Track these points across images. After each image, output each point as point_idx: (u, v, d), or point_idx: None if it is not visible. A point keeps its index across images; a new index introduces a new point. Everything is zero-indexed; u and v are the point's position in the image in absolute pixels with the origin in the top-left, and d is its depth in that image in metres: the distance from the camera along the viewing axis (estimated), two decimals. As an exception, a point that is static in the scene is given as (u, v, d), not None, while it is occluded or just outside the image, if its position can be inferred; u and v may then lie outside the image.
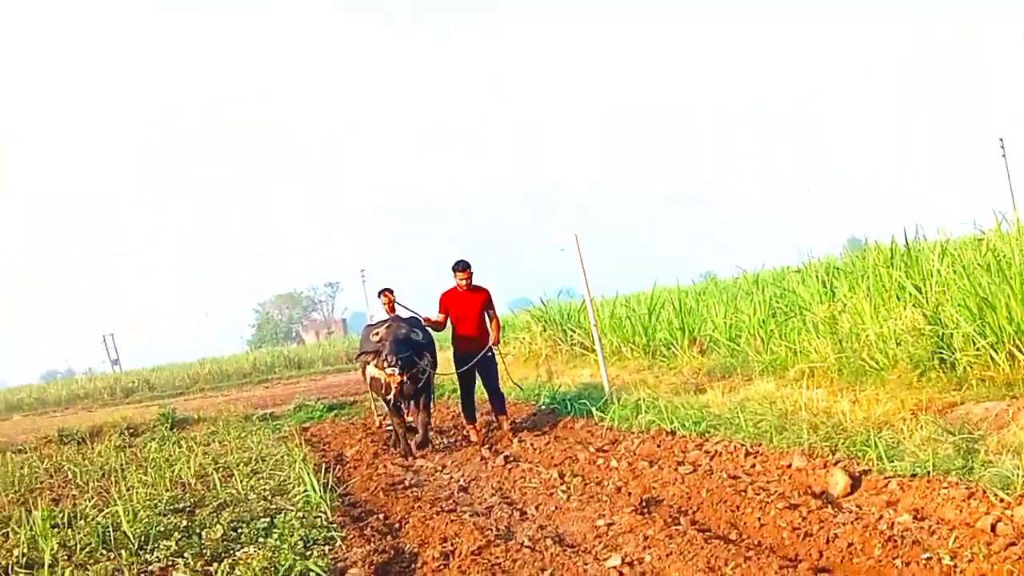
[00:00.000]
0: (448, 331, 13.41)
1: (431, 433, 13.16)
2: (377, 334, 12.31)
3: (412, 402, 12.95)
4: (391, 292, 13.89)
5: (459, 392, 13.47)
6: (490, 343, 13.01)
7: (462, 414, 13.58)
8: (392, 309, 13.44)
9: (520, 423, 13.51)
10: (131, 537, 8.29)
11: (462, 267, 12.89)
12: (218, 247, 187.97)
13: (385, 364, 11.84)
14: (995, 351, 8.67)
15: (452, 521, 8.01)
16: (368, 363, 12.80)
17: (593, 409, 12.76)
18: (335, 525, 8.33)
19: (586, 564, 6.45)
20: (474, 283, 13.02)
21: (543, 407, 14.83)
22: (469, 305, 13.00)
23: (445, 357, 13.80)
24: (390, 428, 14.26)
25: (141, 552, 7.96)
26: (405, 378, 12.11)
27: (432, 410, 13.28)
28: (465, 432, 13.46)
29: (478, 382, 13.25)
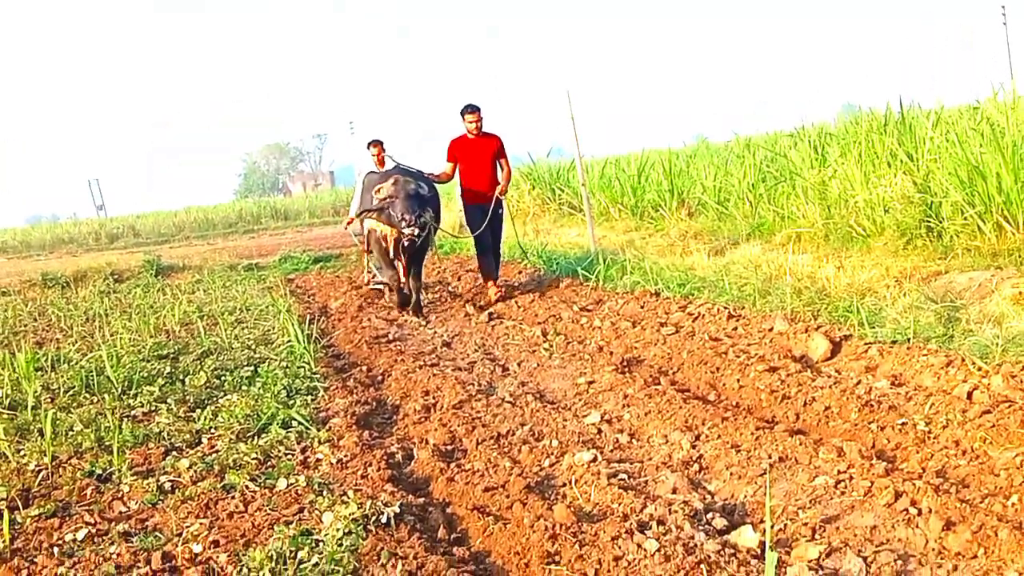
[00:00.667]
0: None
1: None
2: (380, 190, 11.04)
3: (407, 261, 11.63)
4: (381, 144, 13.56)
5: (475, 249, 12.68)
6: (496, 193, 12.07)
7: (479, 271, 12.88)
8: (382, 162, 13.05)
9: (505, 282, 13.47)
10: (114, 382, 8.32)
11: (471, 110, 11.89)
12: (207, 95, 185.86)
13: (403, 225, 10.74)
14: (983, 221, 8.64)
15: (434, 375, 8.06)
16: (369, 217, 11.55)
17: (578, 269, 12.74)
18: (318, 376, 8.37)
19: (565, 420, 6.51)
20: (484, 129, 12.06)
21: (529, 266, 14.82)
22: (479, 154, 12.05)
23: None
24: (378, 285, 13.90)
25: (124, 397, 8.00)
26: (414, 236, 10.98)
27: (424, 273, 12.39)
28: (469, 296, 12.80)
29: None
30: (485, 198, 12.07)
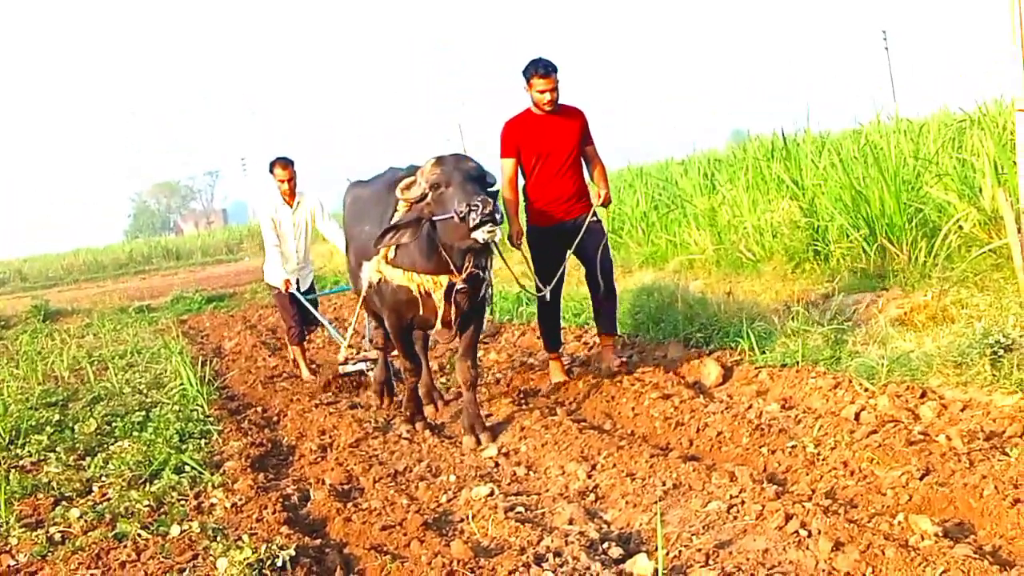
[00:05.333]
0: None
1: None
2: (409, 185, 6.30)
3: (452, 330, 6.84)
4: (290, 164, 9.67)
5: (536, 303, 8.14)
6: (597, 203, 7.62)
7: (541, 338, 8.33)
8: (292, 192, 9.69)
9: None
10: (1, 432, 8.08)
11: (544, 71, 7.22)
12: (95, 133, 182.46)
13: (472, 220, 5.80)
14: (867, 243, 8.85)
15: (330, 414, 7.99)
16: (376, 254, 6.62)
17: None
18: (212, 418, 8.21)
19: (463, 455, 6.50)
20: (561, 101, 7.46)
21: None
22: (558, 139, 7.46)
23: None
24: (359, 366, 9.04)
25: (12, 447, 7.79)
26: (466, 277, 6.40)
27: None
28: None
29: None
30: (568, 213, 7.58)
